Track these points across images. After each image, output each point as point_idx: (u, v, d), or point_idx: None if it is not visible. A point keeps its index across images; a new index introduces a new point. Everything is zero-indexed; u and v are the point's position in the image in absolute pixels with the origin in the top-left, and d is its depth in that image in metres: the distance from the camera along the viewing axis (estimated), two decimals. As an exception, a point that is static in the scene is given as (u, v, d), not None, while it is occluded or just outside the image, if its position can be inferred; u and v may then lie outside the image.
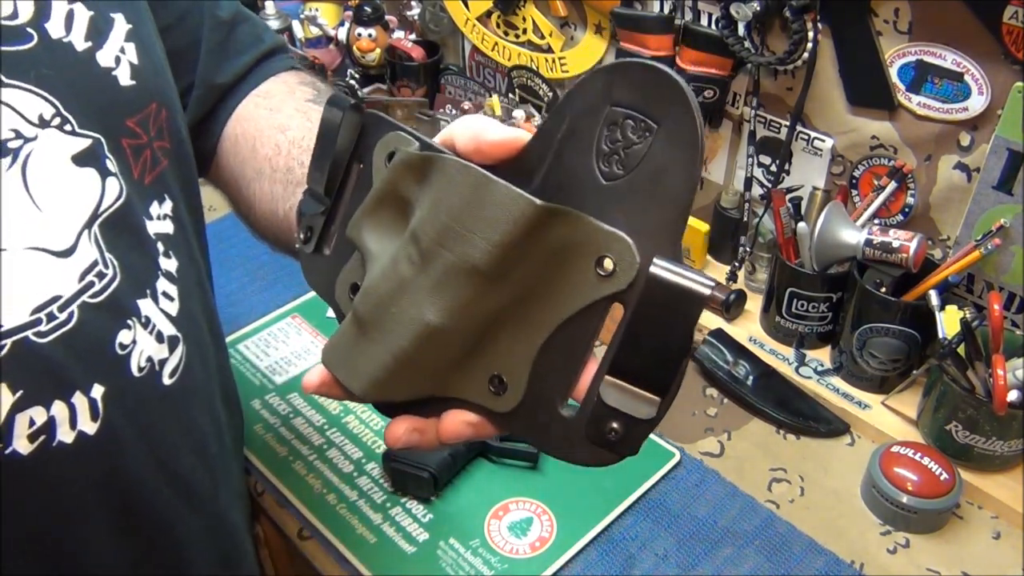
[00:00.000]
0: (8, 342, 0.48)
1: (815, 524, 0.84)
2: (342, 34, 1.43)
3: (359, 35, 1.39)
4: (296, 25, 1.44)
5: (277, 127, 0.67)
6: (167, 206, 0.61)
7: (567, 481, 0.87)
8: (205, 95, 0.71)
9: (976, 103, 0.85)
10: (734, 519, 0.85)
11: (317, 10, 1.43)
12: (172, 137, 0.62)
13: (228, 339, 1.03)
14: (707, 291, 0.36)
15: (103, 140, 0.54)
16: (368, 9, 1.38)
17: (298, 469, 0.89)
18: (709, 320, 1.06)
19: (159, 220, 0.59)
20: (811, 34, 0.91)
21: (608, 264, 0.38)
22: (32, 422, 0.50)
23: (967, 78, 0.85)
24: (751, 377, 0.97)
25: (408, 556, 0.81)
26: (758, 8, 0.92)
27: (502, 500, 0.85)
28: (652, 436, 0.92)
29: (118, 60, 0.56)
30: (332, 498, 0.86)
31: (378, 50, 1.40)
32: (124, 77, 0.57)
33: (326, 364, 0.46)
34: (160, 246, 0.59)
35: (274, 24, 1.40)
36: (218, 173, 0.74)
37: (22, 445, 0.49)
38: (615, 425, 0.39)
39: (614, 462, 0.40)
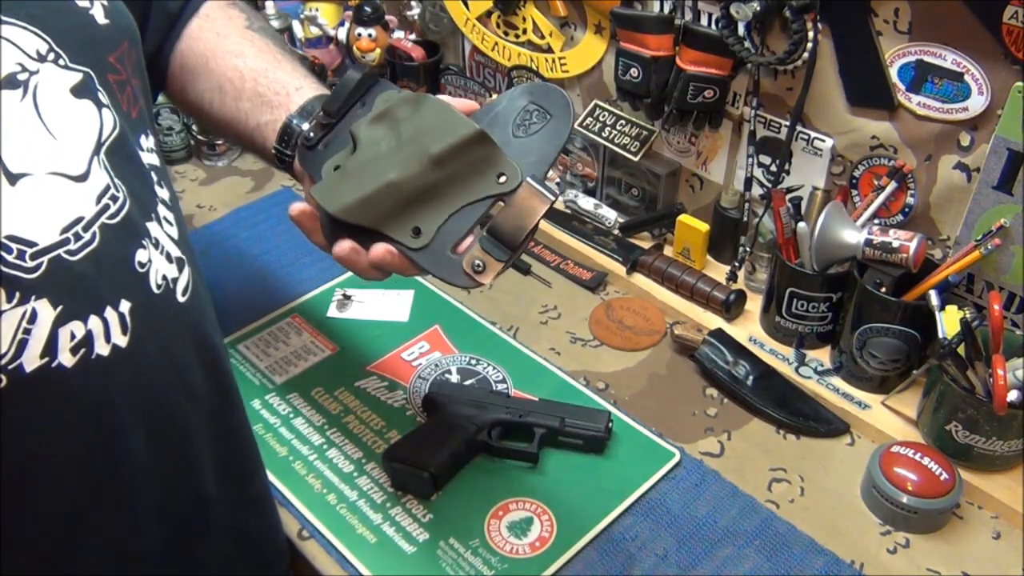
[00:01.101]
0: (45, 259, 0.51)
1: (815, 524, 0.84)
2: (342, 34, 1.43)
3: (359, 35, 1.39)
4: (296, 25, 1.44)
5: (230, 52, 0.79)
6: (151, 140, 0.65)
7: (567, 481, 0.87)
8: (161, 24, 0.79)
9: (976, 103, 0.85)
10: (734, 519, 0.85)
11: (317, 10, 1.43)
12: (141, 76, 0.66)
13: (228, 339, 1.03)
14: (552, 198, 0.61)
15: (92, 74, 0.57)
16: (368, 9, 1.38)
17: (298, 469, 0.89)
18: (709, 320, 1.06)
19: (148, 152, 0.63)
20: (811, 34, 0.91)
21: (503, 178, 0.63)
22: (73, 335, 0.53)
23: (967, 78, 0.85)
24: (751, 377, 0.97)
25: (408, 556, 0.81)
26: (758, 8, 0.92)
27: (502, 500, 0.85)
28: (652, 436, 0.93)
29: (91, 1, 0.59)
30: (332, 498, 0.86)
31: (378, 50, 1.40)
32: (100, 16, 0.60)
33: (313, 193, 0.66)
34: (153, 175, 0.63)
35: (274, 24, 1.41)
36: (169, 86, 0.83)
37: (66, 358, 0.52)
38: (479, 261, 0.62)
39: (475, 285, 0.62)
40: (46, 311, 0.51)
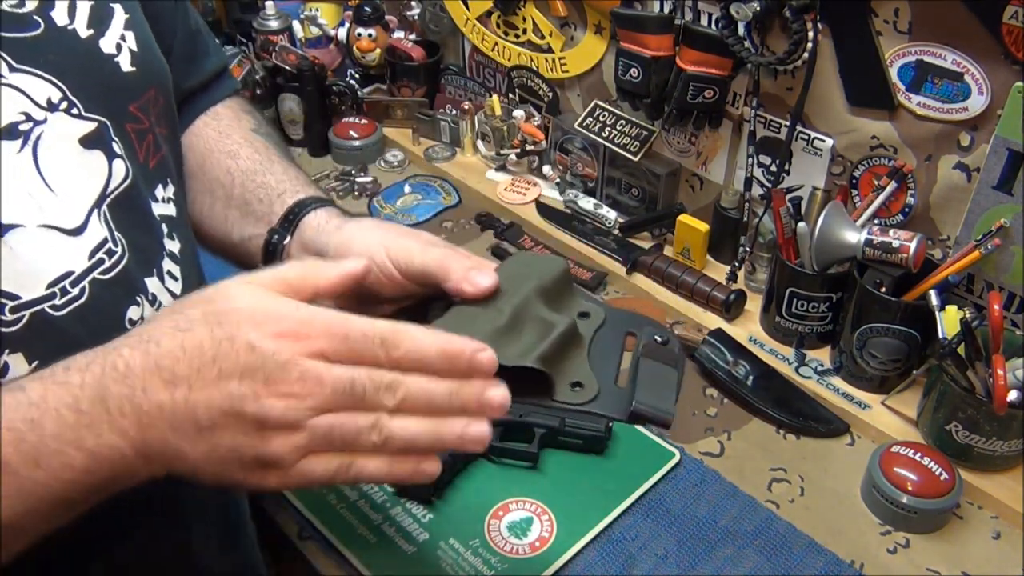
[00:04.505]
0: (27, 314, 0.50)
1: (815, 524, 0.84)
2: (342, 34, 1.43)
3: (359, 35, 1.39)
4: (296, 25, 1.44)
5: (227, 152, 0.73)
6: (170, 189, 0.63)
7: (567, 481, 0.87)
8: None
9: (976, 103, 0.85)
10: (734, 519, 0.85)
11: (317, 10, 1.43)
12: (169, 124, 0.64)
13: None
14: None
15: (109, 124, 0.56)
16: (368, 9, 1.38)
17: (298, 469, 0.89)
18: (709, 320, 1.06)
19: (163, 203, 0.61)
20: (811, 34, 0.91)
21: (588, 317, 0.61)
22: None
23: (967, 78, 0.85)
24: (751, 377, 0.97)
25: (408, 556, 0.81)
26: (758, 8, 0.92)
27: (502, 500, 0.85)
28: (652, 436, 0.93)
29: (119, 47, 0.58)
30: (332, 498, 0.86)
31: (378, 50, 1.40)
32: (125, 64, 0.58)
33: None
34: (164, 227, 0.61)
35: (274, 24, 1.41)
36: None
37: None
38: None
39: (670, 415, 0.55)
40: (19, 366, 0.50)
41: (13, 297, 0.50)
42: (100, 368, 0.45)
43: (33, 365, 0.50)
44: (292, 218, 0.67)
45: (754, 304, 1.08)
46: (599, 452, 0.90)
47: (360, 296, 0.62)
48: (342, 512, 0.85)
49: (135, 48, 0.59)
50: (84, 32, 0.56)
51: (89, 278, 0.53)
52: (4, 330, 0.49)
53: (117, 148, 0.56)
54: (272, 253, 0.67)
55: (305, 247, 0.66)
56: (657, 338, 0.59)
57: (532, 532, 0.82)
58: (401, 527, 0.83)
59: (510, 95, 1.33)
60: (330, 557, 0.82)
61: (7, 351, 0.49)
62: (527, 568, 0.80)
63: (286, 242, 0.66)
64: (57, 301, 0.51)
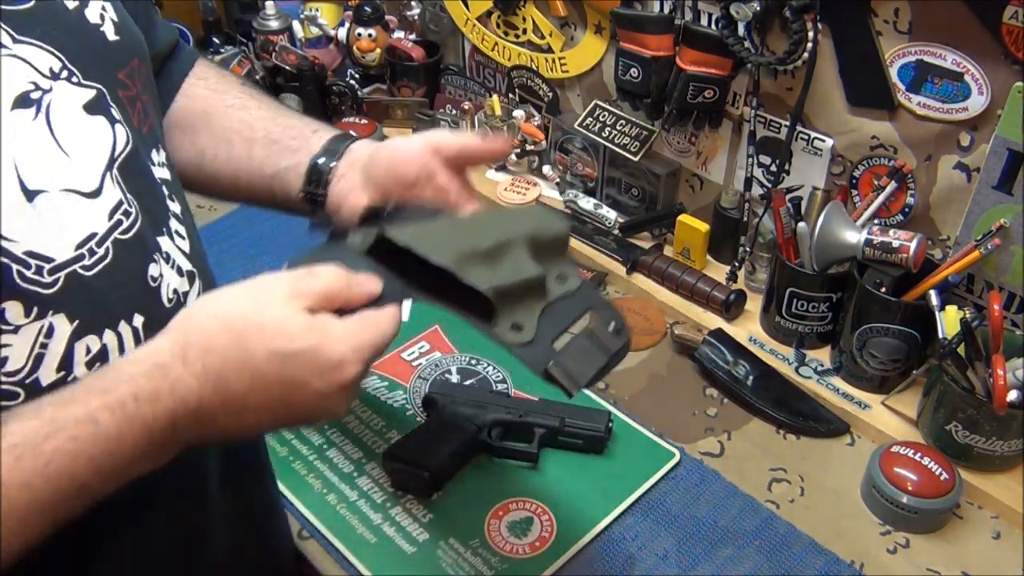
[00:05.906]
0: (62, 275, 0.52)
1: (815, 524, 0.84)
2: (342, 34, 1.43)
3: (359, 35, 1.39)
4: (296, 25, 1.45)
5: (232, 106, 0.78)
6: (162, 155, 0.65)
7: (567, 481, 0.87)
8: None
9: (976, 103, 0.85)
10: (734, 519, 0.85)
11: (317, 10, 1.43)
12: (151, 92, 0.66)
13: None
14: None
15: (104, 91, 0.57)
16: (368, 9, 1.38)
17: (298, 469, 0.89)
18: (709, 320, 1.06)
19: (159, 167, 0.63)
20: (811, 34, 0.91)
21: (567, 280, 0.63)
22: (88, 350, 0.53)
23: (967, 78, 0.85)
24: (751, 377, 0.97)
25: (408, 556, 0.81)
26: (758, 8, 0.92)
27: (502, 500, 0.85)
28: (652, 436, 0.93)
29: (103, 17, 0.60)
30: (332, 498, 0.86)
31: (378, 50, 1.40)
32: (110, 33, 0.60)
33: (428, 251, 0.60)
34: (165, 190, 0.63)
35: (274, 24, 1.41)
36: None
37: (81, 372, 0.53)
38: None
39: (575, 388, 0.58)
40: (63, 326, 0.52)
41: (48, 260, 0.51)
42: (171, 402, 0.51)
43: (75, 324, 0.52)
44: (335, 149, 0.73)
45: (754, 304, 1.08)
46: (599, 452, 0.90)
47: (386, 169, 0.69)
48: (342, 512, 0.85)
49: (115, 19, 0.61)
50: (71, 3, 0.57)
51: (111, 238, 0.55)
52: (45, 291, 0.51)
53: (116, 113, 0.58)
54: (318, 176, 0.73)
55: (352, 164, 0.72)
56: (612, 324, 0.61)
57: (532, 532, 0.82)
58: (401, 527, 0.83)
59: (510, 95, 1.33)
60: (330, 557, 0.82)
61: (51, 312, 0.51)
62: (527, 568, 0.80)
63: (333, 165, 0.72)
64: (87, 261, 0.53)
